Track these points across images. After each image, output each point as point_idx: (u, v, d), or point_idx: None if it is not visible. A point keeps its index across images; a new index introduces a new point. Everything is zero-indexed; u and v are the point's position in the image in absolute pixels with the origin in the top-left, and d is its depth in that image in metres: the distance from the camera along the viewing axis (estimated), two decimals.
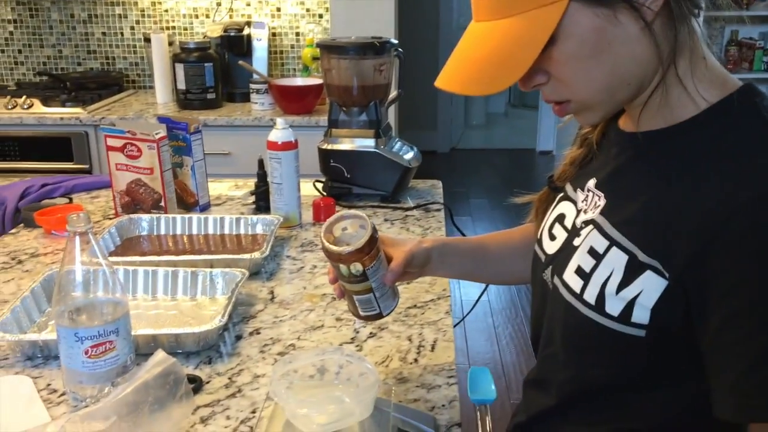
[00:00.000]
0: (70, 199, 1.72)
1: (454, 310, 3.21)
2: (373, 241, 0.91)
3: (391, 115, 2.41)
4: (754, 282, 0.66)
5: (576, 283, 0.82)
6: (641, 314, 0.75)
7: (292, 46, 3.07)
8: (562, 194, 0.95)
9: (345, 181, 1.73)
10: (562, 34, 0.71)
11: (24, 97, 2.66)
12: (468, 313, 2.38)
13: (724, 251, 0.68)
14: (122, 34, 3.09)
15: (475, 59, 0.75)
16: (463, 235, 1.34)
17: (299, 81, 2.74)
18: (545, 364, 0.93)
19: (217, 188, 1.84)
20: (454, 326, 1.17)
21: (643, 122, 0.80)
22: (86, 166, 2.62)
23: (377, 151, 1.71)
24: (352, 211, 0.95)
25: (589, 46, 0.72)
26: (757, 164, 0.69)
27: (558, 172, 0.97)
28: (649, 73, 0.75)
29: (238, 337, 1.11)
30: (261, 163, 1.64)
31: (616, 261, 0.78)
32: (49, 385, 0.99)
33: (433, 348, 1.09)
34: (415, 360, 1.05)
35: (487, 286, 1.49)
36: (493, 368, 2.79)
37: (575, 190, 0.91)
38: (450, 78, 0.77)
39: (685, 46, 0.74)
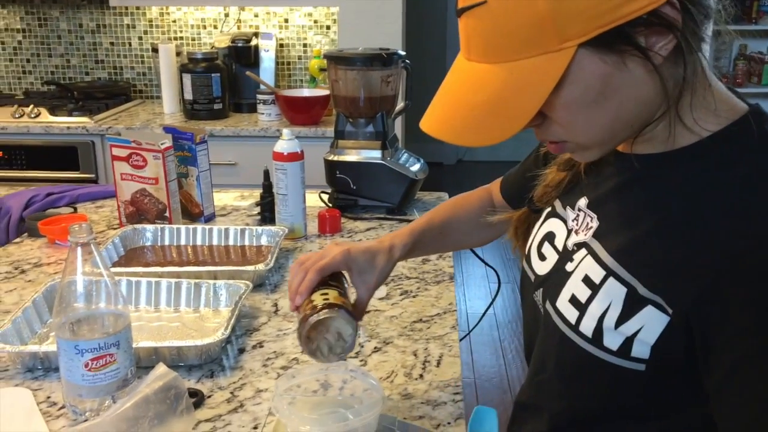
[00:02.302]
0: (75, 209, 1.72)
1: (459, 323, 3.19)
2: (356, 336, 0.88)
3: (398, 127, 2.40)
4: (765, 324, 0.63)
5: (571, 314, 0.78)
6: (641, 349, 0.72)
7: (300, 57, 3.07)
8: (549, 210, 0.91)
9: (351, 192, 1.72)
10: (566, 80, 0.65)
11: (31, 106, 2.67)
12: (474, 327, 2.36)
13: (734, 291, 0.64)
14: (130, 44, 3.10)
15: (469, 105, 0.69)
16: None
17: (306, 92, 2.74)
18: (538, 390, 0.89)
19: (222, 198, 1.83)
20: (460, 340, 1.16)
21: (639, 145, 0.75)
22: (92, 176, 2.62)
23: (383, 162, 1.70)
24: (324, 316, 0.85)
25: (594, 92, 0.67)
26: None
27: (538, 193, 0.93)
28: (653, 111, 0.71)
29: (241, 351, 1.10)
30: (267, 174, 1.63)
31: (613, 293, 0.74)
32: (48, 397, 0.97)
33: (438, 363, 1.07)
34: (421, 376, 1.04)
35: (493, 300, 1.50)
36: (499, 382, 2.76)
37: (564, 208, 0.87)
38: (441, 123, 0.71)
39: (690, 83, 0.69)
